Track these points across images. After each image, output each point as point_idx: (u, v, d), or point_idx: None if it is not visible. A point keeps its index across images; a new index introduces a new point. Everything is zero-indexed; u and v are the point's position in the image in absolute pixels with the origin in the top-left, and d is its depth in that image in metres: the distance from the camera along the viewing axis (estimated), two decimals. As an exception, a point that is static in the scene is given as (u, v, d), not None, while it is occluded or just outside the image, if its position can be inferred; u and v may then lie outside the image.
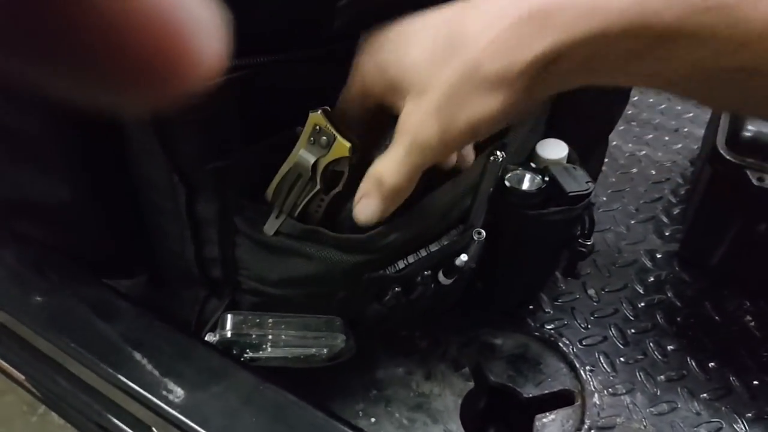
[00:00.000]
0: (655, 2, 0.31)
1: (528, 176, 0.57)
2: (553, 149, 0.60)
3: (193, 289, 0.54)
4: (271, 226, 0.45)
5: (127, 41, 0.16)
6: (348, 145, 0.42)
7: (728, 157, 0.61)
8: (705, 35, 0.30)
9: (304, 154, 0.42)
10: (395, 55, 0.37)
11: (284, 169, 0.43)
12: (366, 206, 0.41)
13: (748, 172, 0.60)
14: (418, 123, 0.37)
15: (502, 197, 0.56)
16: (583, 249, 0.60)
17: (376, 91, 0.39)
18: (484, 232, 0.52)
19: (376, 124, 0.43)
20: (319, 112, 0.41)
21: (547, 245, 0.62)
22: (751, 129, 0.60)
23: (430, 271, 0.51)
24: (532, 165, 0.58)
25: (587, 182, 0.57)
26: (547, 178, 0.56)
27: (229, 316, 0.48)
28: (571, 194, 0.56)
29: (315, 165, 0.43)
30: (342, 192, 0.45)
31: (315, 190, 0.44)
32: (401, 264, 0.51)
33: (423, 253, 0.52)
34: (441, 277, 0.54)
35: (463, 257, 0.51)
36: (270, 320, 0.52)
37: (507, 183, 0.56)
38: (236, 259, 0.46)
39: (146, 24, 0.16)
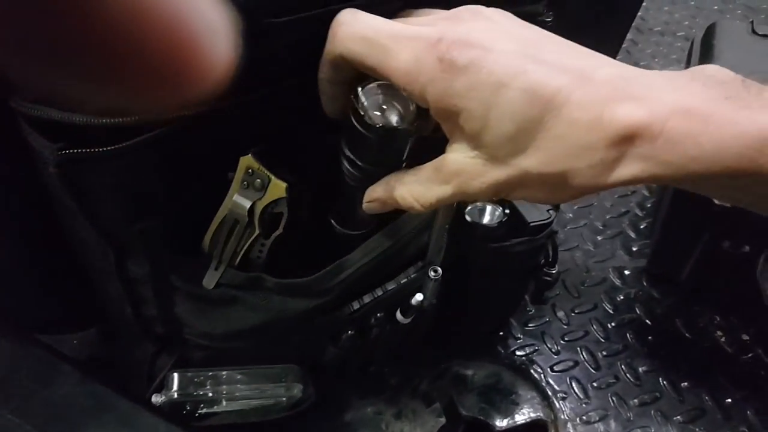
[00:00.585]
0: (761, 156, 0.30)
1: (489, 208, 0.55)
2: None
3: (141, 344, 0.52)
4: (210, 279, 0.43)
5: (141, 44, 0.16)
6: (284, 185, 0.40)
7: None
8: None
9: (238, 200, 0.41)
10: (481, 108, 0.33)
11: (219, 216, 0.42)
12: (373, 209, 0.41)
13: (709, 191, 0.58)
14: (478, 185, 0.35)
15: (463, 231, 0.54)
16: (548, 278, 0.59)
17: (423, 95, 0.34)
18: (440, 270, 0.50)
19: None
20: (249, 154, 0.39)
21: (513, 275, 0.61)
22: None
23: (383, 313, 0.50)
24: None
25: (549, 210, 0.56)
26: (507, 210, 0.54)
27: (176, 376, 0.46)
28: (532, 224, 0.54)
29: (251, 209, 0.41)
30: (286, 234, 0.43)
31: (254, 235, 0.43)
32: (356, 305, 0.49)
33: (379, 292, 0.50)
34: (399, 316, 0.52)
35: (419, 297, 0.49)
36: (224, 374, 0.49)
37: (467, 217, 0.54)
38: (178, 317, 0.44)
39: (159, 28, 0.16)
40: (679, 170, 0.31)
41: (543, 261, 0.59)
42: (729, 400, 0.64)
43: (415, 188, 0.38)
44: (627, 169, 0.32)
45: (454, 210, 0.50)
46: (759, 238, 0.62)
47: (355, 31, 0.35)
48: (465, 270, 0.57)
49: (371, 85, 0.36)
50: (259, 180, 0.40)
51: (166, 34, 0.16)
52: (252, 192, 0.40)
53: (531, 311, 0.74)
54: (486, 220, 0.54)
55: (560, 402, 0.65)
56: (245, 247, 0.43)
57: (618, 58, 0.61)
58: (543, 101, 0.32)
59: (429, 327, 0.63)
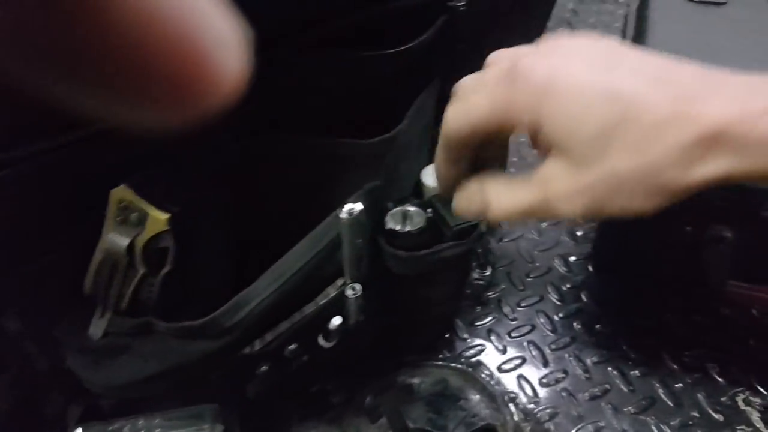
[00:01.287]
0: None
1: (412, 212, 0.52)
2: (437, 176, 0.55)
3: (50, 393, 0.48)
4: (96, 328, 0.39)
5: (151, 56, 0.16)
6: (164, 217, 0.37)
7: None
8: None
9: (114, 238, 0.37)
10: (562, 114, 0.34)
11: (96, 258, 0.38)
12: (465, 208, 0.41)
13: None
14: (565, 189, 0.35)
15: (384, 240, 0.51)
16: (481, 281, 0.56)
17: (514, 128, 0.36)
18: (359, 288, 0.47)
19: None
20: (122, 185, 0.36)
21: (446, 281, 0.58)
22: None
23: (300, 342, 0.46)
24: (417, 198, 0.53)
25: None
26: (430, 214, 0.51)
27: (79, 431, 0.42)
28: (455, 228, 0.51)
29: (131, 246, 0.37)
30: (178, 269, 0.40)
31: (139, 274, 0.39)
32: (269, 336, 0.46)
33: (297, 317, 0.47)
34: (321, 341, 0.49)
35: (336, 320, 0.46)
36: (140, 421, 0.46)
37: (387, 224, 0.51)
38: (72, 370, 0.41)
39: (169, 41, 0.16)
40: (766, 166, 0.31)
41: (475, 264, 0.57)
42: (679, 385, 0.62)
43: (501, 189, 0.39)
44: (713, 166, 0.32)
45: (364, 223, 0.47)
46: (701, 218, 0.60)
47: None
48: (394, 280, 0.54)
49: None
50: (135, 214, 0.36)
51: (177, 46, 0.16)
52: (129, 228, 0.37)
53: (477, 309, 0.71)
54: (408, 226, 0.51)
55: (509, 403, 0.63)
56: (132, 289, 0.40)
57: (558, 29, 0.58)
58: (622, 102, 0.33)
59: (368, 342, 0.60)
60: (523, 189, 0.37)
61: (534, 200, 0.36)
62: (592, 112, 0.33)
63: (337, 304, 0.48)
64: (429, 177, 0.55)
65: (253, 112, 0.42)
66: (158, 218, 0.37)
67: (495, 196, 0.39)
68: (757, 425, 0.59)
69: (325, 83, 0.44)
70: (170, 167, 0.39)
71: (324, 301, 0.48)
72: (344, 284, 0.48)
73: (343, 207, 0.40)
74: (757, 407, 0.60)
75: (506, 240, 0.78)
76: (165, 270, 0.40)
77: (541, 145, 0.36)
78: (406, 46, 0.43)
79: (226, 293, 0.43)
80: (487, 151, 0.41)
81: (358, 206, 0.41)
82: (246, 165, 0.41)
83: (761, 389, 0.61)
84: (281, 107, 0.43)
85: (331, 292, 0.49)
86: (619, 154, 0.33)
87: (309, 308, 0.48)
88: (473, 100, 0.37)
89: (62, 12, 0.14)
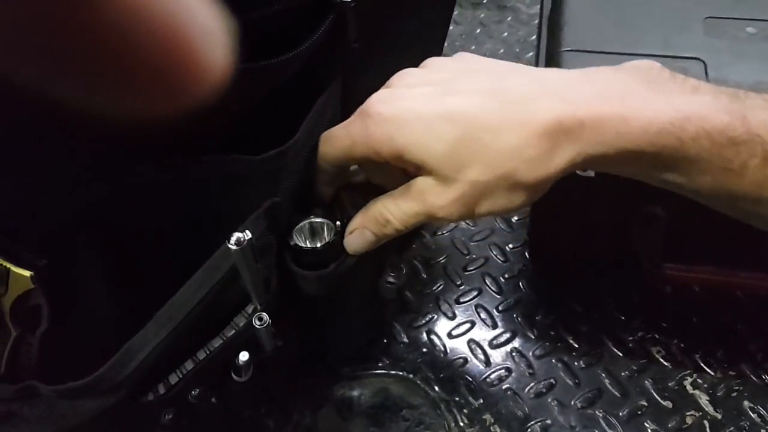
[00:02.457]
0: (682, 132, 0.35)
1: (319, 225, 0.47)
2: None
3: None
4: (-30, 401, 0.34)
5: (136, 46, 0.16)
6: (28, 274, 0.32)
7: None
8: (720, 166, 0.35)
9: None
10: (412, 140, 0.38)
11: None
12: (360, 238, 0.44)
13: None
14: (439, 202, 0.39)
15: (291, 258, 0.47)
16: (393, 282, 0.53)
17: (383, 157, 0.40)
18: (266, 317, 0.43)
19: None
20: None
21: (358, 286, 0.53)
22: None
23: (202, 388, 0.42)
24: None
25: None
26: (338, 223, 0.47)
27: None
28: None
29: None
30: (57, 325, 0.35)
31: (13, 336, 0.34)
32: (173, 378, 0.42)
33: (202, 355, 0.43)
34: (234, 376, 0.44)
35: (243, 356, 0.42)
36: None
37: (292, 240, 0.46)
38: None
39: (155, 31, 0.16)
40: (610, 148, 0.36)
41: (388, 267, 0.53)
42: (625, 373, 0.60)
43: (388, 203, 0.42)
44: (563, 156, 0.36)
45: (268, 243, 0.43)
46: (632, 198, 0.57)
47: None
48: (308, 298, 0.50)
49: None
50: None
51: (164, 36, 0.16)
52: None
53: (415, 308, 0.68)
54: (317, 242, 0.47)
55: (454, 409, 0.60)
56: (6, 353, 0.35)
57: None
58: (461, 122, 0.37)
59: (295, 362, 0.56)
60: (407, 201, 0.40)
61: (420, 210, 0.40)
62: (438, 136, 0.37)
63: (248, 334, 0.44)
64: None
65: (127, 139, 0.37)
66: (21, 276, 0.32)
67: (382, 207, 0.42)
68: (706, 408, 0.57)
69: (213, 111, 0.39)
70: (33, 215, 0.34)
71: (232, 333, 0.44)
72: (254, 310, 0.44)
73: (230, 237, 0.36)
74: (705, 389, 0.58)
75: (441, 233, 0.74)
76: (42, 329, 0.35)
77: (407, 168, 0.40)
78: (294, 52, 0.39)
79: (119, 342, 0.38)
80: (379, 177, 0.45)
81: (246, 234, 0.36)
82: (120, 199, 0.36)
83: (707, 369, 0.60)
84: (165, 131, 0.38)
85: (240, 321, 0.44)
86: (474, 166, 0.37)
87: (216, 343, 0.43)
88: (336, 133, 0.42)
89: (54, 5, 0.14)
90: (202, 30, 0.18)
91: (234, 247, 0.36)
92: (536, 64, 0.63)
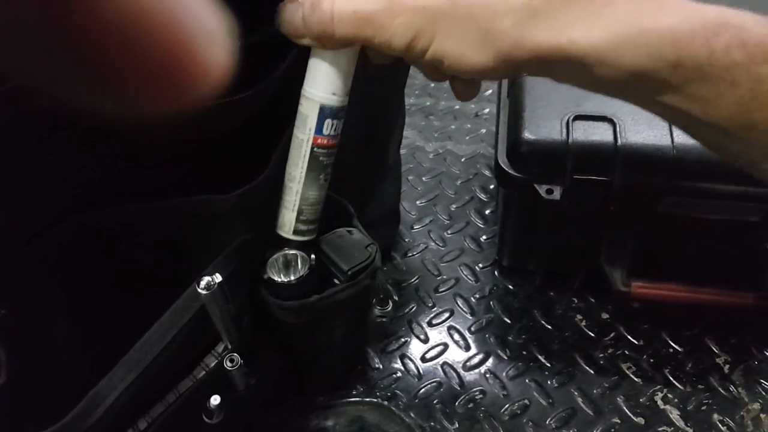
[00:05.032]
0: (715, 39, 0.29)
1: (293, 257, 0.47)
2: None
3: None
4: None
5: (136, 45, 0.16)
6: None
7: (512, 173, 0.55)
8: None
9: None
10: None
11: None
12: (293, 12, 0.35)
13: (536, 186, 0.53)
14: (385, 20, 0.33)
15: (266, 291, 0.46)
16: (384, 318, 0.52)
17: None
18: (237, 358, 0.42)
19: None
20: None
21: (344, 323, 0.53)
22: (528, 138, 0.53)
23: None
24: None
25: (368, 246, 0.49)
26: (312, 263, 0.46)
27: None
28: (350, 271, 0.47)
29: None
30: (15, 378, 0.34)
31: None
32: (142, 424, 0.41)
33: (172, 398, 0.42)
34: (206, 419, 0.43)
35: (215, 399, 0.41)
36: None
37: (267, 274, 0.46)
38: None
39: (155, 31, 0.16)
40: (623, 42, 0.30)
41: (375, 300, 0.53)
42: (597, 390, 0.61)
43: None
44: (542, 36, 0.31)
45: (220, 290, 0.41)
46: (599, 220, 0.58)
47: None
48: (288, 327, 0.49)
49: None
50: None
51: (162, 36, 0.16)
52: None
53: (389, 332, 0.67)
54: (292, 275, 0.46)
55: (429, 434, 0.60)
56: None
57: None
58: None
59: (270, 393, 0.55)
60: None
61: (367, 8, 0.33)
62: None
63: (219, 375, 0.43)
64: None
65: (90, 179, 0.36)
66: None
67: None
68: (678, 423, 0.58)
69: (180, 147, 0.39)
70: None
71: (202, 374, 0.43)
72: (225, 350, 0.43)
73: (200, 281, 0.35)
74: (676, 404, 0.59)
75: (411, 254, 0.74)
76: (0, 382, 0.33)
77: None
78: (266, 81, 0.38)
79: (84, 388, 0.37)
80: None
81: (216, 278, 0.35)
82: (84, 244, 0.35)
83: (677, 384, 0.61)
84: (129, 173, 0.37)
85: (211, 362, 0.43)
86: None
87: (186, 384, 0.42)
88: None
89: (55, 4, 0.14)
90: (202, 30, 0.18)
91: (204, 292, 0.35)
92: None
